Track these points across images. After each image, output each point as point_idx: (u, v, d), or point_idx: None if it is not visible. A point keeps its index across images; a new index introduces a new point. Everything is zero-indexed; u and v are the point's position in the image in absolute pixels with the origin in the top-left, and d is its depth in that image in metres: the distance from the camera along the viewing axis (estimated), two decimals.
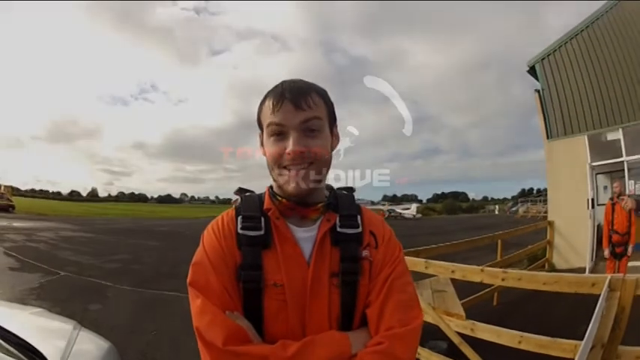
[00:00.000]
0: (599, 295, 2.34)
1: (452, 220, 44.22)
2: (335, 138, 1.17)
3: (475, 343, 3.20)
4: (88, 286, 7.67)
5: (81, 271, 9.11)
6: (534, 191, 63.36)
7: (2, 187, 40.98)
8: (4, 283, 7.62)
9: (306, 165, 1.05)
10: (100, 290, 7.29)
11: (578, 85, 9.39)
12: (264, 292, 1.04)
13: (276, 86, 1.09)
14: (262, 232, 1.08)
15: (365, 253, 1.11)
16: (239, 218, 1.11)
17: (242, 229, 1.08)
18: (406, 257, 3.56)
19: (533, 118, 10.23)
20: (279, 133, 1.06)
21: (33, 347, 1.95)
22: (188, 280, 1.06)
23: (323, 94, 1.12)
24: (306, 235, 1.10)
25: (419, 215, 53.36)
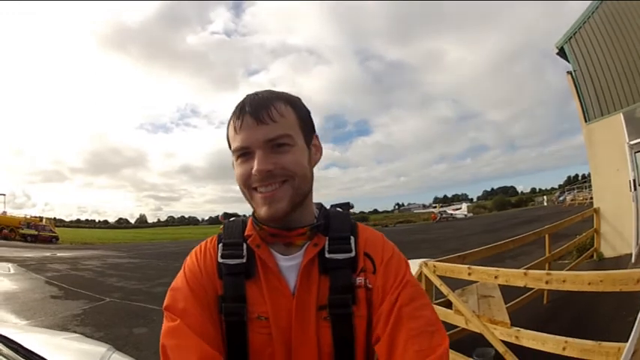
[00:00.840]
0: None
1: (502, 216, 43.78)
2: (315, 150, 1.04)
3: (522, 349, 3.06)
4: (134, 310, 7.75)
5: (126, 297, 9.22)
6: (579, 177, 61.96)
7: (44, 220, 42.31)
8: (45, 311, 7.64)
9: (279, 184, 0.93)
10: (145, 315, 7.34)
11: (607, 61, 8.90)
12: (248, 325, 0.94)
13: (239, 102, 0.98)
14: (244, 260, 0.98)
15: (360, 280, 0.97)
16: (220, 246, 1.01)
17: (222, 257, 0.99)
18: (449, 264, 3.46)
19: (570, 102, 9.80)
20: (245, 154, 0.94)
21: None
22: (164, 305, 0.96)
23: (293, 102, 0.99)
24: (290, 264, 0.99)
25: (470, 214, 53.84)
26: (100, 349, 2.77)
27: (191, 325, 0.93)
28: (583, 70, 9.43)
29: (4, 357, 1.94)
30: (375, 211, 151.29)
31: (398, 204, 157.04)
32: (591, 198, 11.55)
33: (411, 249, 17.15)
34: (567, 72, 9.91)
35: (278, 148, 0.92)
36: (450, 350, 3.02)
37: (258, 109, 0.92)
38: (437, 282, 3.90)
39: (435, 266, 3.99)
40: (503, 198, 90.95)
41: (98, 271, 14.82)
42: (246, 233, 1.02)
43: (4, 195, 42.13)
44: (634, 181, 8.12)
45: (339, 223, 1.03)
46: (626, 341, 2.01)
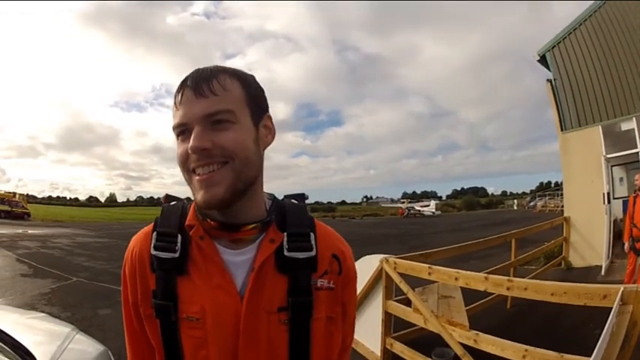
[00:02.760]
0: (610, 310, 2.15)
1: (471, 216, 44.56)
2: (266, 131, 0.93)
3: (481, 354, 3.04)
4: (100, 291, 7.72)
5: (93, 277, 9.19)
6: (552, 185, 63.09)
7: (17, 196, 41.76)
8: (15, 289, 7.75)
9: (218, 165, 0.83)
10: (110, 295, 7.24)
11: (590, 74, 9.01)
12: (179, 325, 0.86)
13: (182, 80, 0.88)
14: (176, 255, 0.87)
15: (321, 282, 0.91)
16: (154, 234, 0.90)
17: (154, 248, 0.88)
18: (411, 262, 3.46)
19: (547, 109, 9.86)
20: (184, 131, 0.84)
21: (25, 347, 2.08)
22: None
23: (241, 77, 0.89)
24: (239, 260, 0.89)
25: (438, 212, 54.35)
26: (64, 329, 2.86)
27: (127, 315, 0.95)
28: (564, 79, 9.52)
29: None
30: (344, 202, 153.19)
31: (366, 196, 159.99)
32: (562, 206, 11.72)
33: (377, 243, 17.35)
34: (547, 80, 10.00)
35: (218, 125, 0.82)
36: (408, 349, 3.08)
37: (199, 82, 0.83)
38: (397, 279, 3.90)
39: (395, 263, 3.97)
40: (472, 198, 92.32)
41: (67, 249, 14.74)
42: (187, 222, 0.91)
43: None
44: (608, 194, 8.18)
45: (297, 217, 0.94)
46: (590, 355, 1.97)
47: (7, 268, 9.93)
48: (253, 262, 0.88)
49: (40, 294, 7.46)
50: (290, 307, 0.86)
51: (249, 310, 0.85)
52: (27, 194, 61.42)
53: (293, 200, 0.99)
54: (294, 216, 0.94)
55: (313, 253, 0.90)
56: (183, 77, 0.87)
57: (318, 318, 0.89)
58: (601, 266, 7.82)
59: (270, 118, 0.95)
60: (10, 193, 41.25)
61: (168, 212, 0.94)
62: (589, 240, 8.49)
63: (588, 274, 7.72)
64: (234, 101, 0.85)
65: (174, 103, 0.86)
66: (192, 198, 0.89)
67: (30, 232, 21.65)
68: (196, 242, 0.89)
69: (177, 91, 0.86)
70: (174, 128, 0.86)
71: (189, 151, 0.82)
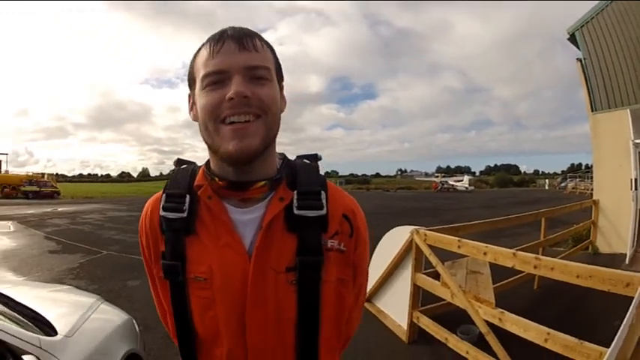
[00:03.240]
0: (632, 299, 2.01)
1: (503, 193, 44.41)
2: (282, 100, 0.93)
3: (505, 334, 3.02)
4: (130, 263, 7.75)
5: (124, 249, 9.28)
6: (583, 167, 61.74)
7: (45, 176, 42.61)
8: (42, 266, 7.74)
9: (253, 117, 0.82)
10: (140, 267, 7.37)
11: (618, 55, 8.60)
12: (188, 286, 0.87)
13: (215, 33, 0.88)
14: (184, 215, 0.87)
15: (332, 243, 0.89)
16: (163, 196, 0.91)
17: (163, 209, 0.89)
18: (441, 234, 3.44)
19: (579, 89, 9.50)
20: (217, 82, 0.83)
21: (45, 319, 2.16)
22: None
23: (269, 45, 0.90)
24: (248, 218, 0.88)
25: (471, 188, 54.19)
26: (89, 299, 2.90)
27: (150, 278, 1.00)
28: (593, 59, 9.12)
29: None
30: (378, 175, 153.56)
31: (400, 170, 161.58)
32: (592, 189, 11.46)
33: (410, 215, 17.55)
34: (577, 59, 9.64)
35: (257, 80, 0.83)
36: (434, 323, 3.07)
37: (241, 36, 0.84)
38: (427, 251, 3.91)
39: (426, 235, 3.99)
40: (505, 175, 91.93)
41: (97, 224, 14.96)
42: (195, 183, 0.91)
43: (7, 154, 42.20)
44: (635, 180, 7.92)
45: (308, 176, 0.93)
46: (609, 346, 1.84)
47: (34, 247, 9.81)
48: (262, 220, 0.87)
49: (68, 269, 7.48)
50: (298, 266, 0.85)
51: (257, 269, 0.84)
52: (56, 173, 62.80)
53: (305, 160, 0.98)
54: (304, 175, 0.93)
55: (324, 211, 0.88)
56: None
57: (328, 280, 0.88)
58: (625, 254, 7.57)
59: (283, 88, 0.95)
60: (38, 174, 42.19)
61: (177, 175, 0.95)
62: (616, 226, 8.25)
63: (614, 261, 7.44)
64: (270, 62, 0.87)
65: (208, 53, 0.85)
66: (213, 151, 0.88)
67: (60, 209, 21.81)
68: (205, 202, 0.89)
69: (215, 41, 0.85)
70: (207, 76, 0.84)
71: (231, 96, 0.80)
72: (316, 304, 0.87)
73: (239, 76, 0.81)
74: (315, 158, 0.99)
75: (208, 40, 0.87)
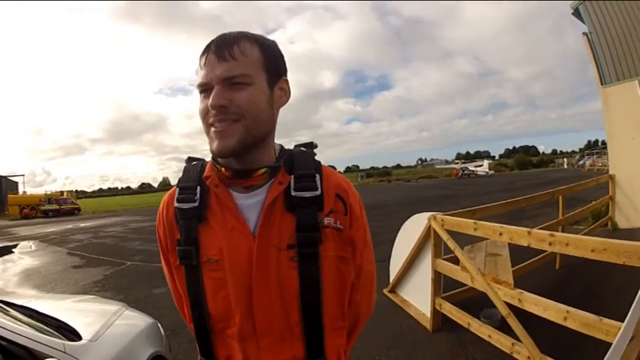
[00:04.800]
0: None
1: (523, 175, 43.92)
2: (281, 93, 1.02)
3: (526, 315, 3.02)
4: (155, 271, 7.74)
5: (149, 259, 9.38)
6: (599, 143, 60.87)
7: (65, 193, 43.51)
8: (66, 281, 7.81)
9: (231, 121, 0.92)
10: None
11: (622, 26, 8.52)
12: (202, 268, 0.96)
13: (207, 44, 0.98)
14: (196, 204, 0.98)
15: (328, 220, 0.97)
16: (177, 190, 1.03)
17: (177, 201, 1.00)
18: (457, 218, 3.44)
19: (590, 65, 9.36)
20: (205, 91, 0.94)
21: (70, 326, 2.26)
22: None
23: (261, 43, 0.97)
24: (251, 202, 0.98)
25: (491, 172, 54.20)
26: (113, 307, 2.96)
27: (166, 270, 1.10)
28: (598, 32, 9.02)
29: (21, 323, 2.07)
30: (398, 166, 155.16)
31: (421, 159, 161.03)
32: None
33: (432, 204, 17.44)
34: (583, 33, 9.48)
35: (235, 86, 0.91)
36: (457, 309, 3.09)
37: (221, 47, 0.92)
38: (444, 237, 3.92)
39: (443, 220, 4.00)
40: (524, 157, 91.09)
41: (120, 236, 15.12)
42: (205, 174, 1.02)
43: (23, 175, 43.03)
44: None
45: (303, 161, 1.03)
46: None
47: (57, 263, 9.89)
48: (264, 202, 0.96)
49: (93, 282, 7.56)
50: (298, 242, 0.94)
51: (260, 247, 0.93)
52: (75, 190, 63.67)
53: (302, 148, 1.09)
54: (300, 161, 1.03)
55: (318, 192, 0.97)
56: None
57: (327, 256, 0.96)
58: None
59: (286, 81, 1.03)
60: (57, 192, 43.01)
61: (188, 170, 1.06)
62: (633, 200, 8.13)
63: (633, 236, 7.23)
64: (252, 65, 0.94)
65: (199, 65, 0.95)
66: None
67: (81, 225, 22.05)
68: (213, 191, 0.99)
69: (202, 54, 0.95)
70: (198, 87, 0.95)
71: (209, 107, 0.91)
72: (316, 278, 0.95)
73: (218, 87, 0.91)
74: (310, 146, 1.09)
75: (202, 51, 0.96)
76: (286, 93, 1.03)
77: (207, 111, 0.93)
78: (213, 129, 0.93)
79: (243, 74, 0.92)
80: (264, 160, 0.99)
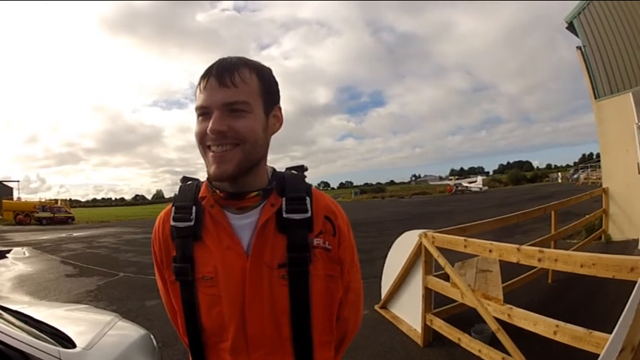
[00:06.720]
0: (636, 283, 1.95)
1: (517, 190, 44.30)
2: (275, 120, 1.06)
3: (516, 330, 3.03)
4: (147, 284, 7.79)
5: (141, 271, 9.37)
6: (594, 156, 61.25)
7: (59, 201, 43.38)
8: (59, 290, 7.81)
9: (230, 146, 0.95)
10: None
11: (616, 39, 8.64)
12: (196, 285, 0.99)
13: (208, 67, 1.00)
14: (191, 224, 1.01)
15: (317, 241, 1.02)
16: (173, 209, 1.05)
17: (173, 220, 1.03)
18: (448, 235, 3.45)
19: (582, 78, 9.50)
20: (204, 114, 0.97)
21: (65, 334, 2.26)
22: None
23: (260, 71, 1.01)
24: (244, 222, 1.02)
25: (485, 188, 54.29)
26: (106, 317, 2.96)
27: (161, 286, 1.13)
28: (592, 46, 9.16)
29: (16, 328, 2.08)
30: (392, 182, 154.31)
31: (414, 175, 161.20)
32: None
33: (426, 221, 17.40)
34: (577, 47, 9.62)
35: (235, 113, 0.95)
36: (447, 325, 3.10)
37: (222, 73, 0.95)
38: (435, 253, 3.94)
39: (434, 237, 4.03)
40: (518, 172, 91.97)
41: (113, 247, 15.08)
42: (200, 195, 1.04)
43: (18, 182, 42.99)
44: None
45: (294, 184, 1.06)
46: None
47: (50, 271, 9.93)
48: (257, 223, 1.00)
49: (86, 291, 7.56)
50: (288, 262, 0.98)
51: (253, 265, 0.97)
52: (70, 199, 63.49)
53: (293, 171, 1.12)
54: (292, 183, 1.06)
55: (309, 214, 1.02)
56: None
57: (316, 274, 1.01)
58: (638, 240, 7.50)
59: (279, 109, 1.08)
60: (52, 200, 42.83)
61: (184, 189, 1.09)
62: (627, 212, 8.20)
63: (626, 248, 7.44)
64: (251, 93, 0.97)
65: (199, 87, 0.98)
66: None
67: (75, 234, 22.06)
68: (208, 211, 1.02)
69: (203, 77, 0.98)
70: (197, 109, 0.98)
71: (208, 132, 0.94)
72: (306, 296, 0.99)
73: (218, 112, 0.94)
74: (301, 169, 1.14)
75: (202, 74, 0.99)
76: (279, 120, 1.08)
77: (204, 134, 0.96)
78: (211, 153, 0.97)
79: (243, 101, 0.95)
80: (257, 183, 1.03)
